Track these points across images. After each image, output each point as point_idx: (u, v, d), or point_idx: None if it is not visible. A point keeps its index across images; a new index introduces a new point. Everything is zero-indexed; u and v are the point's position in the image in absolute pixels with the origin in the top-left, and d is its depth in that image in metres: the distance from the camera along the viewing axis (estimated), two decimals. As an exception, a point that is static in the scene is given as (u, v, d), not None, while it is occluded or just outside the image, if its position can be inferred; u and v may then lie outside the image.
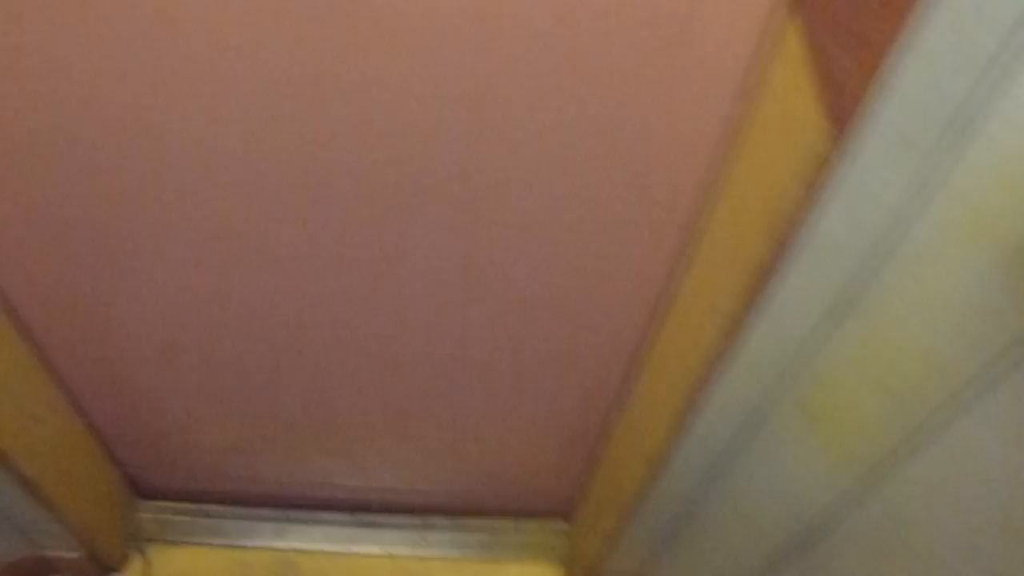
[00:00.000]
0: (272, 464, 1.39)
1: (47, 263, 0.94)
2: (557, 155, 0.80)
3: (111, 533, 1.34)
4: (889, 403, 0.60)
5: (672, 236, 0.86)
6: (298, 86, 0.74)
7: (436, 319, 1.03)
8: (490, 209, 0.86)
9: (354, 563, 1.45)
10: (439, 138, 0.78)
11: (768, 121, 0.69)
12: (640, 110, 0.75)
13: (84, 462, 1.22)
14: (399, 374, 1.15)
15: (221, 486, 1.44)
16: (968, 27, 0.44)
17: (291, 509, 1.47)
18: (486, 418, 1.26)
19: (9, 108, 0.76)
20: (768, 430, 0.92)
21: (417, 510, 1.49)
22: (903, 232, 0.53)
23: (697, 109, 0.75)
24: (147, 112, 0.76)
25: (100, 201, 0.85)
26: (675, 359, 0.87)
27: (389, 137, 0.78)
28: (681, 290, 0.87)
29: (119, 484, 1.38)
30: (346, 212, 0.87)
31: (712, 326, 0.76)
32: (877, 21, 0.50)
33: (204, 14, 0.69)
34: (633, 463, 1.07)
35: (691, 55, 0.71)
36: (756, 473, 0.99)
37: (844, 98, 0.54)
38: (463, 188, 0.83)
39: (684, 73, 0.72)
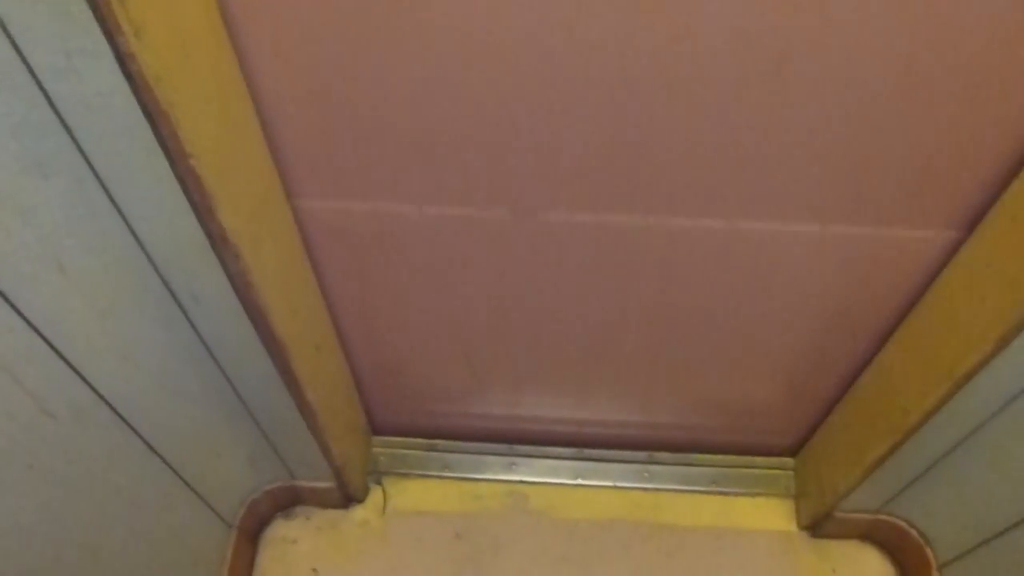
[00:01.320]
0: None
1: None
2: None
3: (357, 465, 1.39)
4: None
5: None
6: None
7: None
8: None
9: (582, 494, 1.47)
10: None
11: None
12: None
13: (344, 395, 1.26)
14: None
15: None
16: None
17: (519, 445, 1.49)
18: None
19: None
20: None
21: (643, 447, 1.49)
22: None
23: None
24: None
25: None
26: (1009, 269, 0.82)
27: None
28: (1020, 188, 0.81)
29: (363, 418, 1.42)
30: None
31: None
32: None
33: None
34: (912, 390, 1.03)
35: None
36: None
37: None
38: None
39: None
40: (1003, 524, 1.13)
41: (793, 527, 1.45)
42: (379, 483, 1.47)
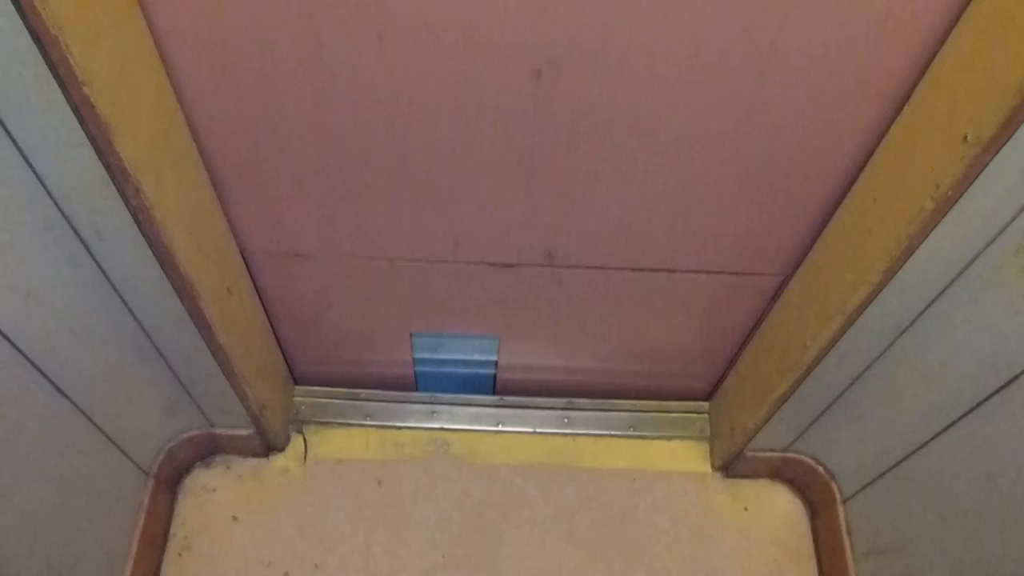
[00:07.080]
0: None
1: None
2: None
3: (276, 413, 1.39)
4: None
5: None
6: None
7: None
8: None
9: (503, 440, 1.49)
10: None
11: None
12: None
13: (260, 341, 1.26)
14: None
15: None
16: None
17: (441, 393, 1.51)
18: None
19: None
20: (979, 279, 0.91)
21: (562, 394, 1.52)
22: None
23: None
24: None
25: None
26: (893, 202, 0.86)
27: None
28: (905, 123, 0.84)
29: (282, 367, 1.42)
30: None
31: (953, 156, 0.74)
32: None
33: None
34: (810, 327, 1.07)
35: None
36: (954, 327, 0.99)
37: None
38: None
39: None
40: (899, 455, 1.19)
41: (707, 468, 1.50)
42: (300, 432, 1.47)
